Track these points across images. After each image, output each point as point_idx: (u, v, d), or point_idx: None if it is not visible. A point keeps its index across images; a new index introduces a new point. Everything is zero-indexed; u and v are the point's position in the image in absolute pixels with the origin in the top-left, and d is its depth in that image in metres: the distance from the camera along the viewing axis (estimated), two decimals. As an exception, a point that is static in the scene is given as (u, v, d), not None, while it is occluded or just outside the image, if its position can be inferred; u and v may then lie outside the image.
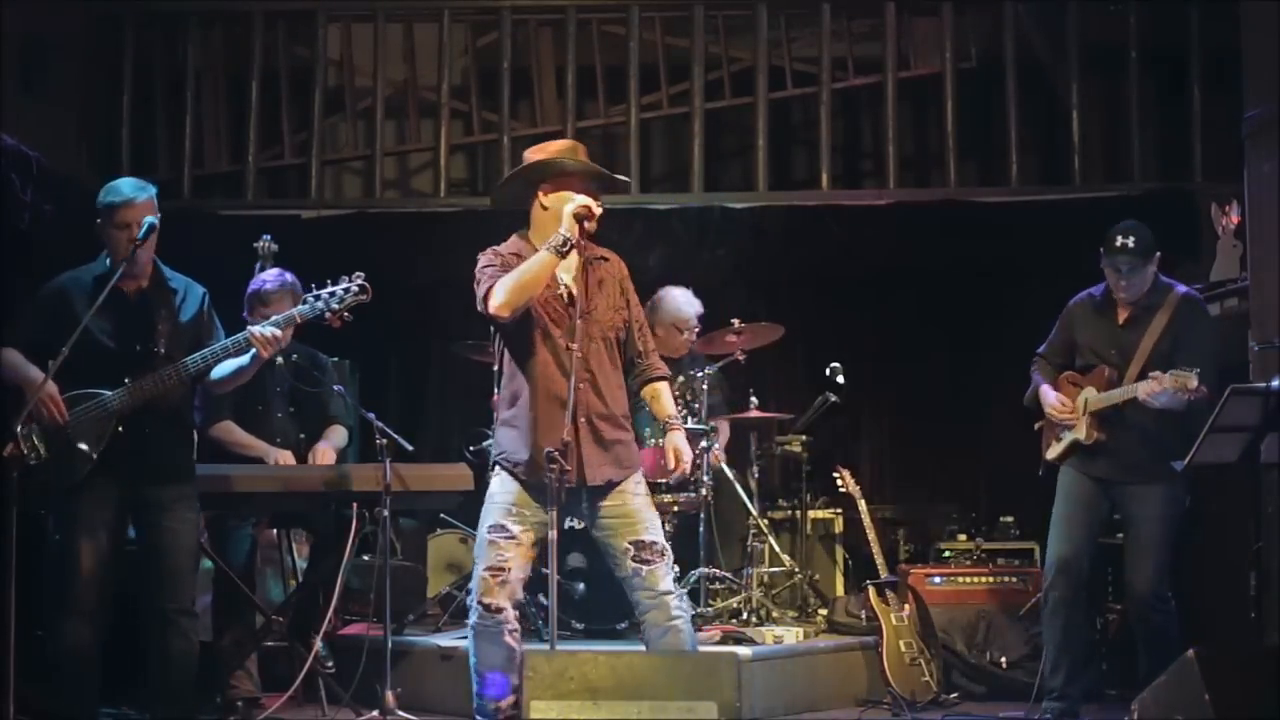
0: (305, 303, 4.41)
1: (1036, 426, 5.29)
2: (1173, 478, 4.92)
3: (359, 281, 4.39)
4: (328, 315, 4.37)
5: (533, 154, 4.36)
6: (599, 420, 4.22)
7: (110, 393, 4.31)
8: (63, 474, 4.29)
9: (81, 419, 4.29)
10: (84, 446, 4.29)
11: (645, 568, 4.19)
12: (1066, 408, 5.08)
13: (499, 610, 4.16)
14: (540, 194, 4.29)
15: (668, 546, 4.29)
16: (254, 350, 4.36)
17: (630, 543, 4.20)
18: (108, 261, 4.43)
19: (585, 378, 4.19)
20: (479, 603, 4.19)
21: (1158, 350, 4.94)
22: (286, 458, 5.21)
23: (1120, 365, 5.00)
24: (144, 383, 4.32)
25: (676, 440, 4.37)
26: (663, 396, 4.45)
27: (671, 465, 4.36)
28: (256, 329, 4.35)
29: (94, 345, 4.32)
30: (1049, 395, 5.15)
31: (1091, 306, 5.19)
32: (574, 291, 4.22)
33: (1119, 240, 4.99)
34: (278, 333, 4.36)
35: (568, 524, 4.52)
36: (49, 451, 4.27)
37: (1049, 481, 5.20)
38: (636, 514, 4.24)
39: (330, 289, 4.39)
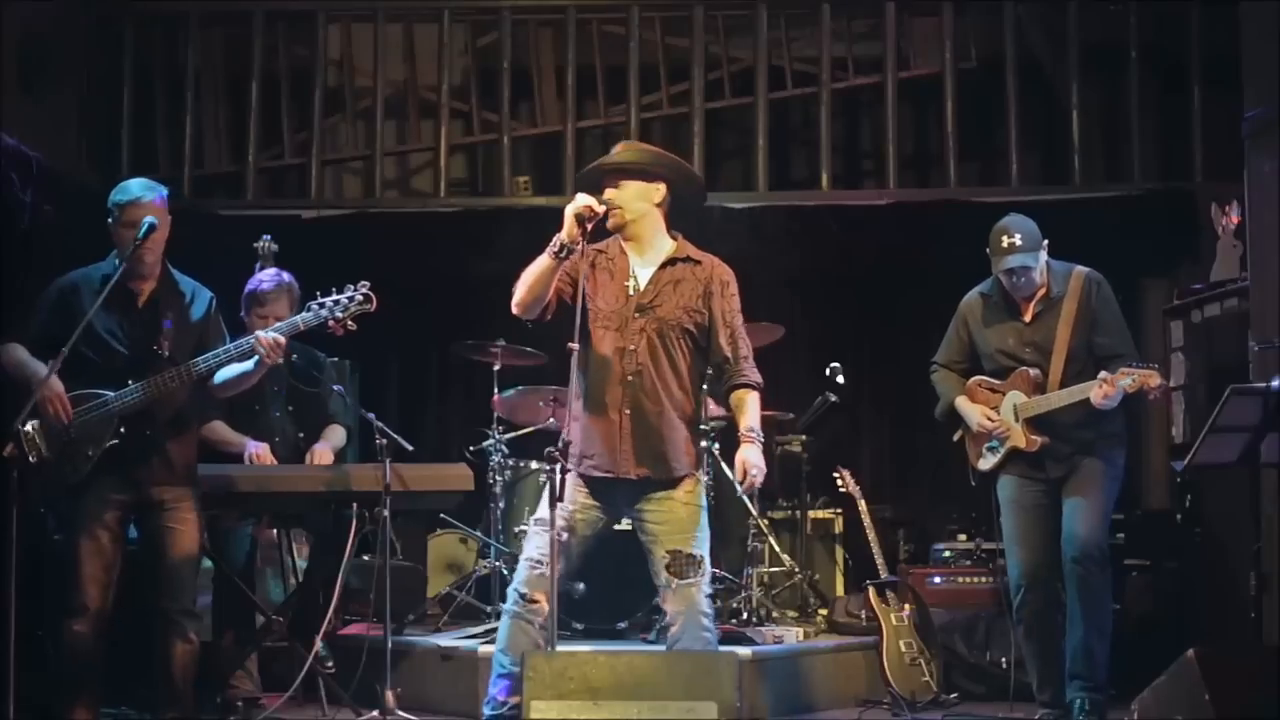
0: (309, 310, 4.41)
1: (956, 437, 5.15)
2: (1108, 447, 4.83)
3: (364, 290, 4.38)
4: (331, 323, 4.37)
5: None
6: (645, 417, 4.20)
7: (113, 393, 4.31)
8: (63, 473, 4.29)
9: (85, 418, 4.29)
10: (85, 446, 4.29)
11: (679, 581, 4.16)
12: (996, 422, 4.92)
13: (534, 601, 4.16)
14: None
15: (706, 560, 4.25)
16: (256, 357, 4.36)
17: (669, 552, 4.18)
18: (116, 261, 4.44)
19: (634, 372, 4.20)
20: (516, 589, 4.21)
21: (1075, 340, 4.82)
22: (264, 452, 5.21)
23: (1041, 363, 4.86)
24: (148, 384, 4.32)
25: (744, 454, 4.28)
26: (746, 406, 4.34)
27: (739, 477, 4.31)
28: (261, 334, 4.36)
29: (100, 345, 4.33)
30: (972, 412, 4.98)
31: (987, 306, 5.02)
32: (639, 286, 4.26)
33: (1005, 240, 4.82)
34: (280, 339, 4.36)
35: (621, 524, 4.49)
36: (49, 451, 4.27)
37: (986, 488, 5.08)
38: (681, 523, 4.21)
39: (335, 297, 4.38)
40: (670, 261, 4.33)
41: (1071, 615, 4.87)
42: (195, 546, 4.52)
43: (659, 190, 4.35)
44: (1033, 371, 4.86)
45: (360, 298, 4.38)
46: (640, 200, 4.32)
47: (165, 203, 4.44)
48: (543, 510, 4.20)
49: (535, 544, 4.20)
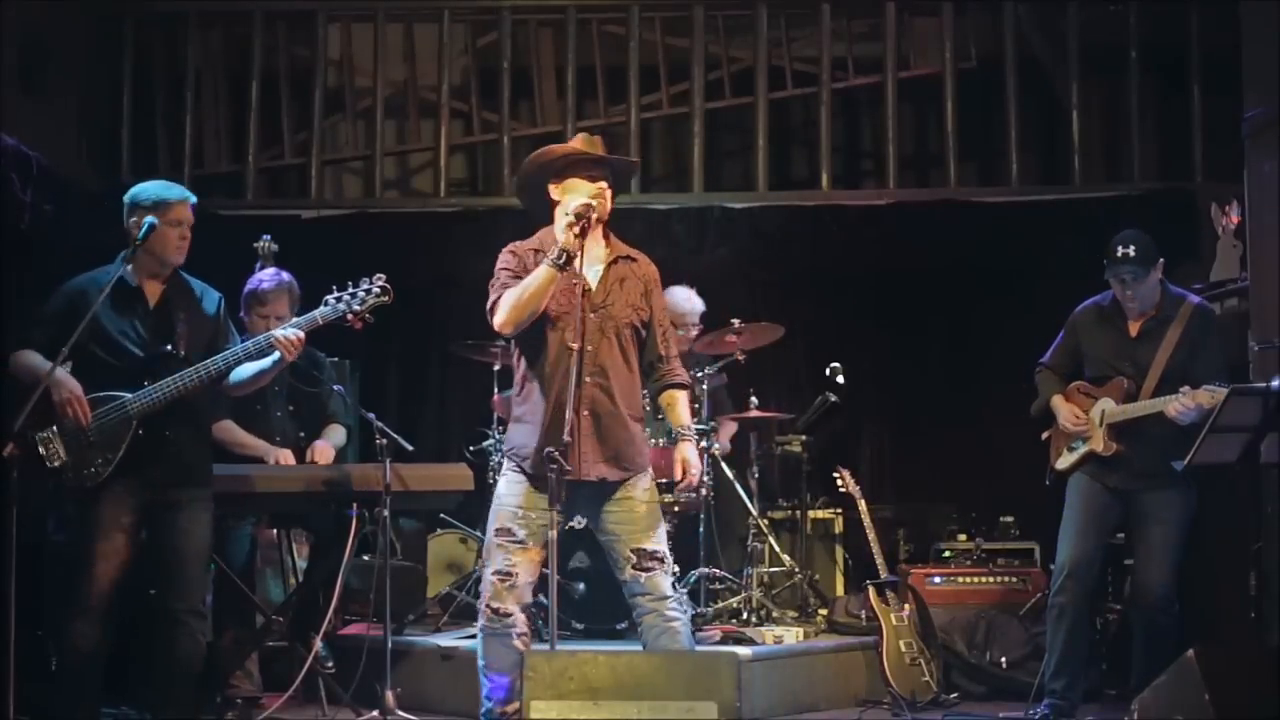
0: (326, 304, 4.41)
1: (1044, 436, 5.26)
2: (1186, 481, 4.90)
3: (380, 283, 4.39)
4: (349, 316, 4.38)
5: (539, 153, 4.37)
6: (603, 417, 4.19)
7: (130, 395, 4.31)
8: (82, 477, 4.27)
9: (103, 421, 4.28)
10: (104, 449, 4.27)
11: (644, 574, 4.19)
12: (1081, 421, 5.05)
13: (507, 615, 4.16)
14: (551, 188, 4.29)
15: (669, 554, 4.27)
16: (276, 354, 4.36)
17: (633, 550, 4.20)
18: (126, 265, 4.41)
19: (592, 372, 4.17)
20: (487, 606, 4.20)
21: (1173, 362, 4.92)
22: (287, 456, 5.21)
23: (1136, 377, 4.97)
24: (165, 385, 4.31)
25: (685, 451, 4.33)
26: (678, 405, 4.40)
27: (678, 476, 4.33)
28: (279, 331, 4.36)
29: (114, 347, 4.32)
30: (1062, 409, 5.11)
31: (1100, 317, 5.16)
32: (589, 286, 4.21)
33: (1120, 250, 4.96)
34: (300, 334, 4.36)
35: (572, 523, 4.50)
36: (69, 454, 4.26)
37: (1056, 489, 5.16)
38: (641, 521, 4.22)
39: (351, 290, 4.39)
40: (615, 260, 4.30)
41: (1136, 648, 5.04)
42: (206, 546, 4.52)
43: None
44: (1126, 383, 4.98)
45: (378, 290, 4.39)
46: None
47: None
48: (503, 522, 4.19)
49: (500, 557, 4.18)
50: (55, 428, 4.25)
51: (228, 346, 4.45)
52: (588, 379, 4.16)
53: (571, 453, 4.07)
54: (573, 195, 4.20)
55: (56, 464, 4.25)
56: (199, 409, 4.51)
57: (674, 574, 4.37)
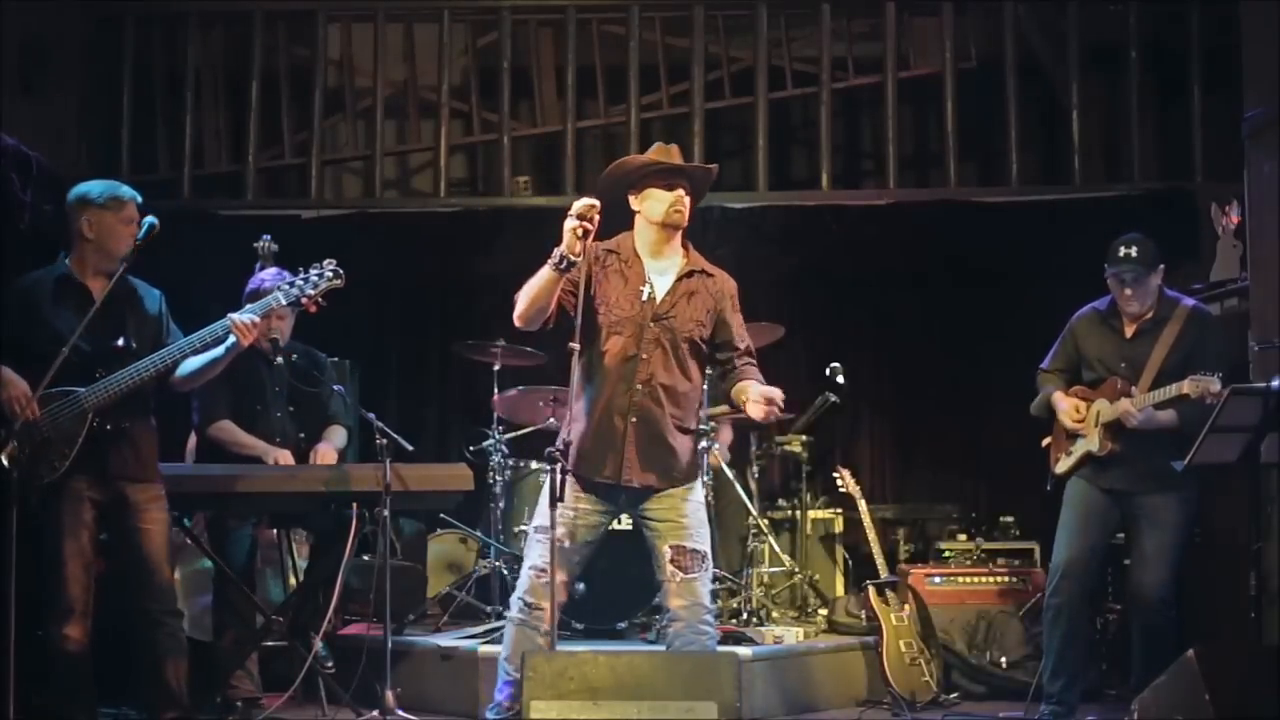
0: (281, 289, 4.46)
1: (1044, 443, 5.27)
2: (1185, 484, 4.90)
3: (332, 267, 4.47)
4: (303, 300, 4.43)
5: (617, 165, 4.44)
6: (651, 426, 4.21)
7: (83, 390, 4.31)
8: (40, 473, 4.27)
9: (56, 417, 4.28)
10: (61, 445, 4.28)
11: (682, 574, 4.19)
12: (1080, 414, 5.06)
13: (540, 608, 4.17)
14: (630, 198, 4.34)
15: (709, 557, 4.29)
16: (229, 341, 4.38)
17: (671, 546, 4.21)
18: (67, 262, 4.46)
19: (644, 380, 4.20)
20: (521, 598, 4.23)
21: (1168, 363, 4.93)
22: (285, 457, 5.21)
23: (1131, 378, 4.98)
24: (118, 377, 4.32)
25: (756, 388, 4.18)
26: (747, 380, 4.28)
27: (765, 410, 4.12)
28: (235, 315, 4.39)
29: (63, 344, 4.31)
30: (1061, 402, 5.13)
31: (1097, 320, 5.17)
32: (656, 295, 4.25)
33: (1122, 250, 4.97)
34: (255, 319, 4.40)
35: (617, 524, 4.51)
36: (22, 452, 4.25)
37: (1056, 492, 5.17)
38: (684, 519, 4.24)
39: (304, 275, 4.46)
40: (688, 274, 4.32)
41: (1136, 648, 5.05)
42: (168, 544, 4.52)
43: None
44: (1120, 383, 5.00)
45: (330, 274, 4.46)
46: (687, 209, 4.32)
47: None
48: (542, 516, 4.18)
49: (538, 551, 4.19)
50: (7, 427, 4.23)
51: (170, 343, 4.46)
52: (639, 386, 4.20)
53: (616, 457, 4.16)
54: (651, 204, 4.27)
55: (8, 463, 4.21)
56: (150, 404, 4.52)
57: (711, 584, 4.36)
